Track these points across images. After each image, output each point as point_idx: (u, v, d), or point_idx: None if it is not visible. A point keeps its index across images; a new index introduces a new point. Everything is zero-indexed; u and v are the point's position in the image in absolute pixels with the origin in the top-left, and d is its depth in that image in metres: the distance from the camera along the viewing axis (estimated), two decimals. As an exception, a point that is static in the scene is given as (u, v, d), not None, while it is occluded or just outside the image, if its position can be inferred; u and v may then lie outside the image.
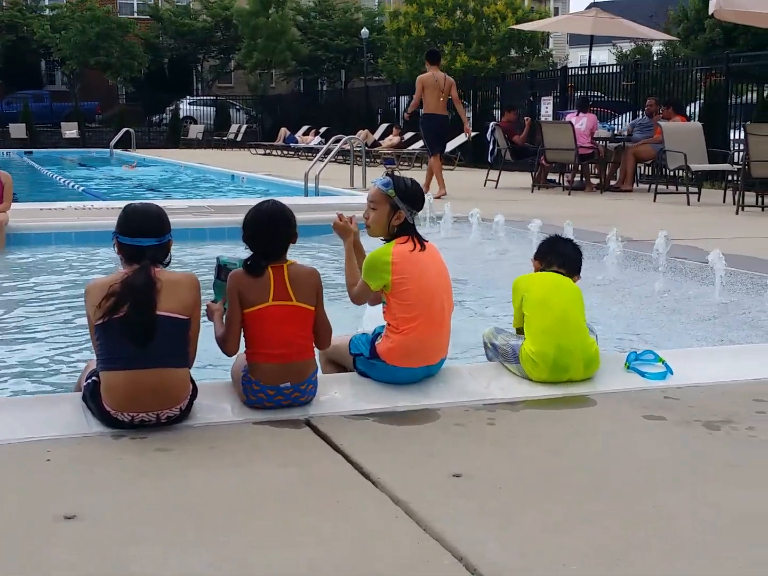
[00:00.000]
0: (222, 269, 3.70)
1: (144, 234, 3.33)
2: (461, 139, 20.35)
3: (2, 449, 3.15)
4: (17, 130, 34.64)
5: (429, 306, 3.74)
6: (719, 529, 2.58)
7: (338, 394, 3.71)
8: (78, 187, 16.30)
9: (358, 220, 4.04)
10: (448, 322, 3.86)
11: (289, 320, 3.47)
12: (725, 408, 3.66)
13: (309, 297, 3.51)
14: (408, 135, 22.66)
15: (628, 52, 39.97)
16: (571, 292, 3.99)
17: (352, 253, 3.97)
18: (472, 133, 20.58)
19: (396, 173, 4.10)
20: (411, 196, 3.80)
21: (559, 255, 4.13)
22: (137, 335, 3.20)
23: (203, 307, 3.49)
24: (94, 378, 3.34)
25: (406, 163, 21.54)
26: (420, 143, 21.33)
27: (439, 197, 12.07)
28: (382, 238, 3.85)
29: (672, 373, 3.99)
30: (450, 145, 20.50)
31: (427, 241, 3.85)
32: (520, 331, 4.06)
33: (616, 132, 15.90)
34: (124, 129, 29.24)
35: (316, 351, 3.70)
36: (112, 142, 28.59)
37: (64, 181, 17.90)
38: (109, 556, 2.39)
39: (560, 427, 3.46)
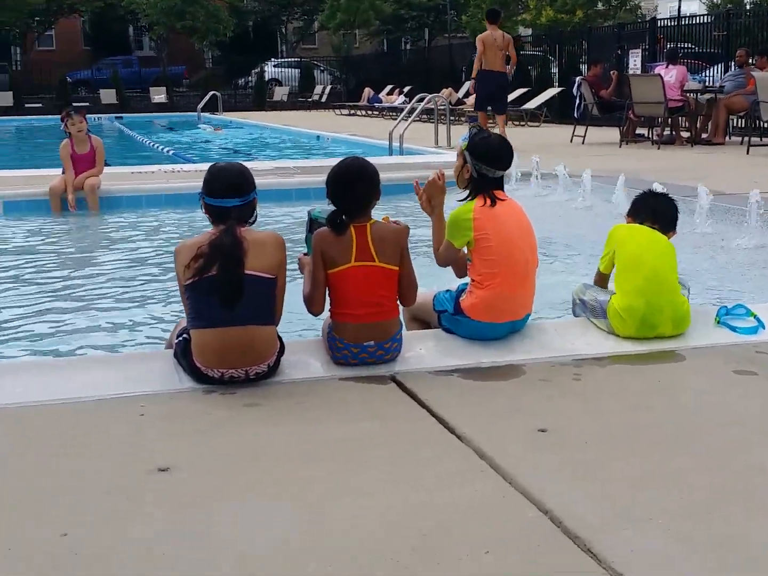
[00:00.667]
0: (314, 222, 3.73)
1: (228, 194, 3.37)
2: (548, 94, 20.04)
3: (98, 405, 3.26)
4: (107, 95, 35.33)
5: (511, 261, 3.72)
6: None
7: (423, 351, 3.73)
8: (167, 151, 16.59)
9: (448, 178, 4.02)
10: (532, 278, 3.83)
11: (371, 280, 3.49)
12: (820, 363, 3.56)
13: (393, 257, 3.52)
14: (493, 92, 22.34)
15: (720, 2, 38.56)
16: (665, 250, 3.91)
17: (443, 215, 3.94)
18: (558, 89, 20.28)
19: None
20: (482, 153, 3.77)
21: (652, 211, 4.04)
22: (226, 295, 3.26)
23: (295, 260, 3.52)
24: (185, 335, 3.42)
25: (491, 120, 21.27)
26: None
27: None
28: (462, 190, 3.86)
29: (764, 328, 3.89)
30: (536, 101, 20.22)
31: (506, 198, 3.82)
32: (603, 278, 4.05)
33: (707, 84, 15.39)
34: (211, 92, 29.53)
35: (401, 308, 3.72)
36: (200, 106, 28.92)
37: (153, 145, 18.24)
38: (198, 505, 2.47)
39: (647, 383, 3.42)
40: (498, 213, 3.74)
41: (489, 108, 13.94)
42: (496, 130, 14.89)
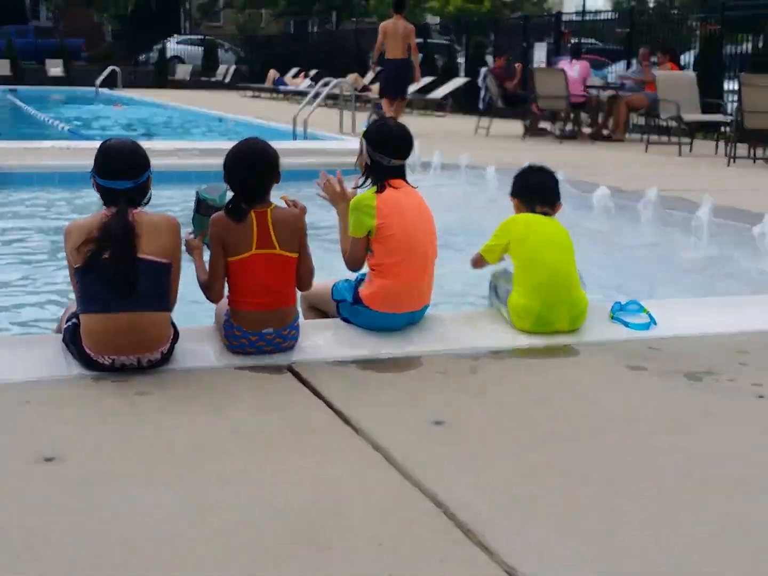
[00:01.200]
0: (201, 203, 3.62)
1: (119, 175, 3.25)
2: (453, 84, 20.19)
3: (-19, 390, 3.12)
4: (1, 66, 34.02)
5: (411, 250, 3.71)
6: (692, 477, 2.61)
7: (321, 340, 3.70)
8: (63, 127, 16.08)
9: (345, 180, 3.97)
10: (431, 268, 3.83)
11: (272, 268, 3.43)
12: (708, 359, 3.67)
13: (292, 243, 3.46)
14: (399, 79, 22.38)
15: (624, -1, 39.53)
16: (564, 245, 3.92)
17: (347, 219, 3.82)
18: (464, 80, 20.46)
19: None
20: (377, 140, 3.73)
21: (538, 190, 4.02)
22: (120, 281, 3.16)
23: (182, 243, 3.43)
24: (74, 320, 3.31)
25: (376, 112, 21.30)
26: (410, 88, 21.15)
27: None
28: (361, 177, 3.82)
29: (656, 324, 3.99)
30: (442, 91, 20.34)
31: (401, 187, 3.78)
32: (483, 265, 4.06)
33: (609, 80, 15.74)
34: (110, 67, 28.77)
35: (298, 297, 3.67)
36: (98, 81, 28.15)
37: (48, 120, 17.66)
38: (85, 496, 2.40)
39: (543, 377, 3.47)
40: (400, 201, 3.72)
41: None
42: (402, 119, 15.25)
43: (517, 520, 2.33)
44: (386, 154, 3.72)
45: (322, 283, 3.84)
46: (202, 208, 3.59)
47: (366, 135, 3.78)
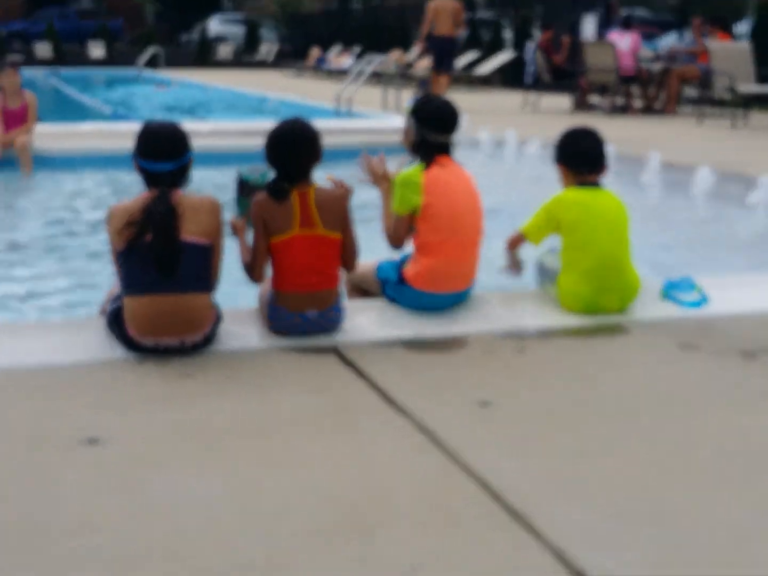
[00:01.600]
0: (244, 184, 3.60)
1: (162, 157, 3.25)
2: (500, 59, 19.95)
3: (27, 374, 3.14)
4: (43, 49, 34.21)
5: (458, 229, 3.65)
6: (745, 458, 2.54)
7: (365, 321, 3.66)
8: (105, 108, 16.20)
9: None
10: (477, 249, 3.77)
11: (315, 249, 3.40)
12: (762, 337, 3.57)
13: (335, 224, 3.42)
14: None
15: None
16: (619, 225, 3.77)
17: (390, 198, 3.81)
18: (511, 54, 20.21)
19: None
20: (426, 116, 3.69)
21: (584, 155, 3.85)
22: (162, 262, 3.15)
23: (227, 225, 3.41)
24: (117, 303, 3.30)
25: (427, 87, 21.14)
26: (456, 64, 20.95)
27: None
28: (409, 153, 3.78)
29: (708, 302, 3.88)
30: (488, 67, 20.12)
31: (450, 164, 3.73)
32: (522, 242, 3.91)
33: (660, 52, 15.41)
34: (152, 48, 28.88)
35: (342, 277, 3.63)
36: (140, 62, 28.29)
37: (90, 102, 17.80)
38: (128, 479, 2.40)
39: (591, 357, 3.40)
40: (446, 179, 3.67)
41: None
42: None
43: (564, 503, 2.29)
44: (433, 130, 3.68)
45: (366, 263, 3.80)
46: (245, 189, 3.57)
47: (413, 111, 3.73)
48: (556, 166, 3.98)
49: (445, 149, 3.73)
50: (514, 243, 3.97)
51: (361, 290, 3.95)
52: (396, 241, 3.77)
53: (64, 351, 3.29)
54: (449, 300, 3.75)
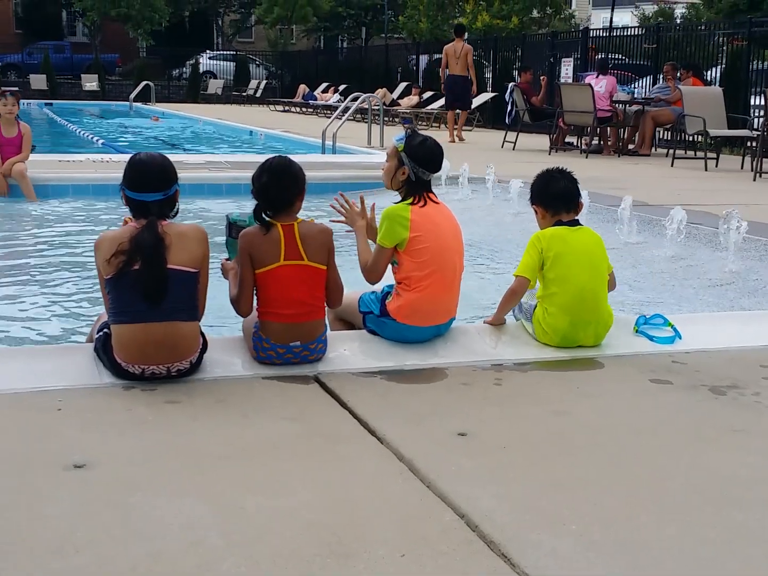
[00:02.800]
0: (233, 226, 3.71)
1: (148, 188, 3.33)
2: (481, 99, 20.23)
3: (14, 398, 3.19)
4: (38, 81, 34.51)
5: (442, 264, 3.75)
6: (715, 492, 2.61)
7: (347, 351, 3.74)
8: (97, 140, 16.30)
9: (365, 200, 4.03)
10: (459, 282, 3.87)
11: (300, 280, 3.48)
12: (732, 373, 3.67)
13: (320, 256, 3.52)
14: (427, 94, 22.49)
15: (651, 15, 39.40)
16: (596, 260, 3.86)
17: (365, 235, 3.93)
18: (491, 94, 20.54)
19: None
20: (419, 155, 3.79)
21: (561, 196, 3.93)
22: (150, 292, 3.22)
23: (218, 266, 3.50)
24: (105, 330, 3.37)
25: (424, 123, 21.41)
26: (439, 103, 21.23)
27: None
28: (395, 194, 3.87)
29: (680, 338, 4.00)
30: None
31: (438, 201, 3.85)
32: (521, 287, 3.91)
33: (635, 95, 15.71)
34: (144, 82, 29.12)
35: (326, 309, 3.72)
36: (132, 96, 28.51)
37: (83, 134, 17.90)
38: (114, 504, 2.44)
39: (566, 389, 3.48)
40: (433, 215, 3.77)
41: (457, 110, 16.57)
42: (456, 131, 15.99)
43: (540, 533, 2.33)
44: (426, 168, 3.80)
45: (349, 295, 3.88)
46: (234, 231, 3.67)
47: (407, 150, 3.80)
48: (532, 208, 4.08)
49: (430, 186, 3.85)
50: (516, 293, 3.92)
51: (343, 321, 4.03)
52: (374, 276, 3.84)
53: (52, 376, 3.34)
54: (430, 333, 3.84)
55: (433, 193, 3.85)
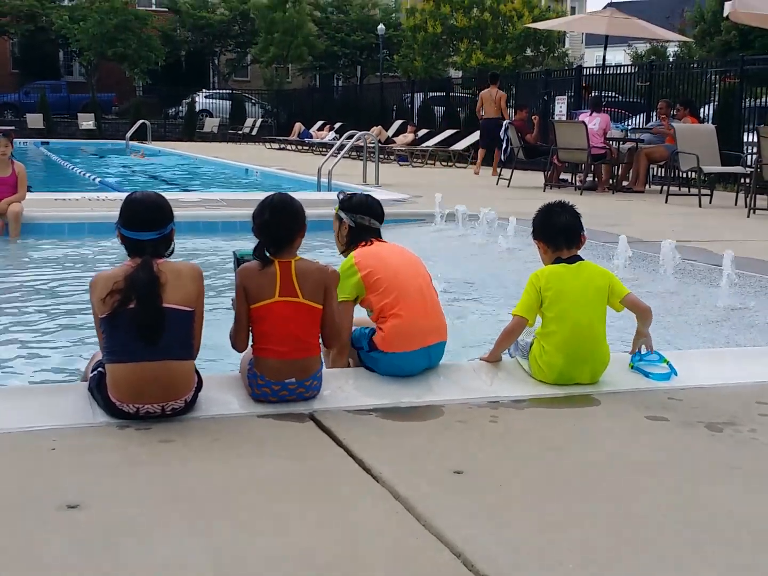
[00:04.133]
0: (240, 262, 3.72)
1: (143, 227, 3.34)
2: (476, 136, 20.38)
3: (8, 437, 3.18)
4: (34, 120, 34.79)
5: (404, 287, 3.82)
6: (712, 531, 2.59)
7: (343, 389, 3.73)
8: (93, 178, 16.36)
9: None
10: (432, 303, 3.89)
11: (295, 317, 3.48)
12: (728, 410, 3.66)
13: (316, 294, 3.52)
14: (422, 132, 22.67)
15: (644, 53, 39.84)
16: (595, 297, 3.85)
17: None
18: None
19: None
20: (353, 204, 4.01)
21: (561, 230, 3.92)
22: (146, 331, 3.22)
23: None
24: (99, 369, 3.36)
25: (419, 160, 21.55)
26: (433, 140, 21.40)
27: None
28: (342, 252, 4.04)
29: (676, 374, 3.99)
30: (464, 143, 20.55)
31: (385, 242, 4.01)
32: (519, 326, 3.90)
33: (629, 133, 15.84)
34: (140, 121, 29.33)
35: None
36: (128, 134, 28.69)
37: (79, 172, 17.98)
38: (108, 545, 2.42)
39: (562, 427, 3.48)
40: (376, 250, 3.92)
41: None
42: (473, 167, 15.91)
43: (536, 572, 2.32)
44: (366, 214, 3.99)
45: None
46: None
47: (342, 206, 4.03)
48: (534, 242, 4.09)
49: (378, 234, 4.03)
50: (512, 332, 3.92)
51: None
52: (345, 335, 3.85)
53: (45, 415, 3.33)
54: (420, 358, 3.84)
55: (380, 238, 4.01)
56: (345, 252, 4.00)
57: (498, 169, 16.71)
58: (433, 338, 3.87)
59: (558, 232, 3.94)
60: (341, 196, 4.11)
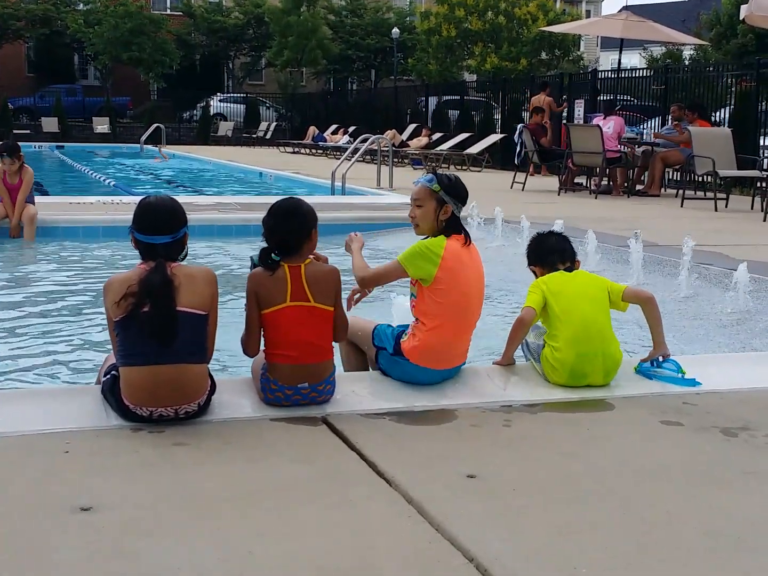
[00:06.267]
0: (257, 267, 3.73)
1: (157, 231, 3.35)
2: (490, 140, 20.37)
3: (22, 440, 3.19)
4: (49, 123, 34.96)
5: (463, 310, 3.75)
6: (728, 537, 2.57)
7: (356, 393, 3.73)
8: (108, 182, 16.43)
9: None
10: (473, 323, 3.86)
11: (306, 321, 3.48)
12: (744, 415, 3.64)
13: (327, 297, 3.52)
14: (436, 136, 22.65)
15: (659, 56, 39.73)
16: (596, 297, 3.94)
17: (360, 253, 3.99)
18: (500, 135, 20.69)
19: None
20: (456, 189, 3.80)
21: (555, 250, 4.09)
22: (159, 334, 3.22)
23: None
24: (113, 372, 3.37)
25: (433, 164, 21.53)
26: (447, 144, 21.39)
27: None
28: (429, 236, 3.81)
29: (690, 380, 3.96)
30: (478, 146, 20.52)
31: (472, 243, 3.84)
32: (528, 317, 3.93)
33: (644, 137, 15.79)
34: (155, 125, 29.43)
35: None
36: (143, 138, 28.81)
37: (94, 176, 18.05)
38: (121, 548, 2.42)
39: (576, 431, 3.46)
40: (464, 259, 3.75)
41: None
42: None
43: (550, 575, 2.31)
44: (463, 204, 3.83)
45: (363, 322, 3.89)
46: None
47: (445, 189, 3.75)
48: (530, 269, 4.18)
49: (460, 221, 3.85)
50: (524, 321, 3.93)
51: (353, 345, 3.98)
52: (370, 282, 3.85)
53: (59, 418, 3.34)
54: (441, 376, 3.83)
55: (467, 233, 3.85)
56: (433, 236, 3.77)
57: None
58: (458, 360, 3.87)
59: (550, 252, 4.09)
60: (431, 174, 3.84)
